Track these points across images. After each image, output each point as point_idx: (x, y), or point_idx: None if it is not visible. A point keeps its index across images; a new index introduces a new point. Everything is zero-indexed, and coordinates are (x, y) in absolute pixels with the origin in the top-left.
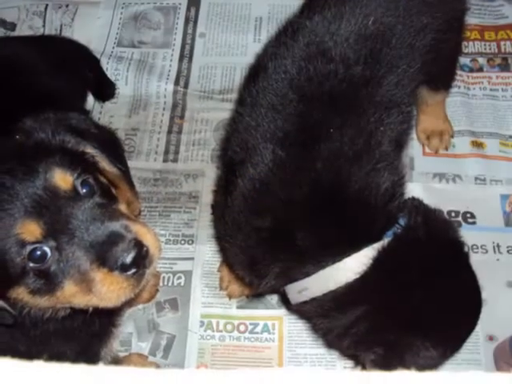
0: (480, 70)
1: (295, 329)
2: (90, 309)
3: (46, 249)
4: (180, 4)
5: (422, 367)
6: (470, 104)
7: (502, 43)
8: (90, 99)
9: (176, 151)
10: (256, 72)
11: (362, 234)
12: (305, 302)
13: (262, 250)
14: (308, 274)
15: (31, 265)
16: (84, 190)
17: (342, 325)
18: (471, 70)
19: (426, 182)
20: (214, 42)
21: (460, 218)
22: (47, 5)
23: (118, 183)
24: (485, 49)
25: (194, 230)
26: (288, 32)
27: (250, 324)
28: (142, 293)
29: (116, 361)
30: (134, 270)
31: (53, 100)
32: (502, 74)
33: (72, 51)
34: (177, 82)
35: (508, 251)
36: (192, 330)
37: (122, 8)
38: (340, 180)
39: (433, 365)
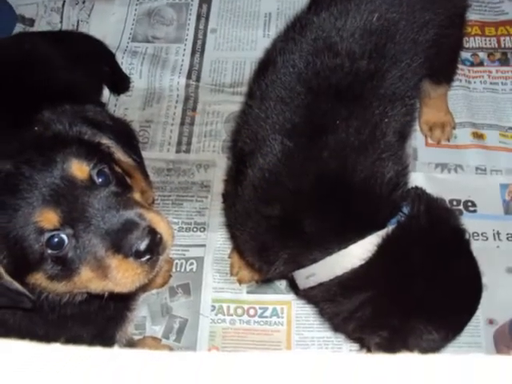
0: (480, 64)
1: (303, 313)
2: (106, 294)
3: (64, 236)
4: (192, 1)
5: (424, 350)
6: (470, 97)
7: (502, 38)
8: (106, 92)
9: (188, 142)
10: (265, 66)
11: (366, 221)
12: (312, 287)
13: (271, 237)
14: (315, 261)
15: (49, 251)
16: (100, 180)
17: (347, 309)
18: (472, 64)
19: (429, 171)
20: (225, 37)
21: (461, 207)
22: (65, 1)
23: (132, 173)
24: (485, 44)
25: (206, 218)
26: (296, 27)
27: (260, 308)
28: (155, 278)
29: (131, 344)
30: (148, 257)
31: (70, 93)
32: (502, 68)
33: (88, 46)
34: (189, 76)
35: (507, 238)
36: (204, 313)
37: (136, 5)
38: (346, 169)
39: (435, 347)
